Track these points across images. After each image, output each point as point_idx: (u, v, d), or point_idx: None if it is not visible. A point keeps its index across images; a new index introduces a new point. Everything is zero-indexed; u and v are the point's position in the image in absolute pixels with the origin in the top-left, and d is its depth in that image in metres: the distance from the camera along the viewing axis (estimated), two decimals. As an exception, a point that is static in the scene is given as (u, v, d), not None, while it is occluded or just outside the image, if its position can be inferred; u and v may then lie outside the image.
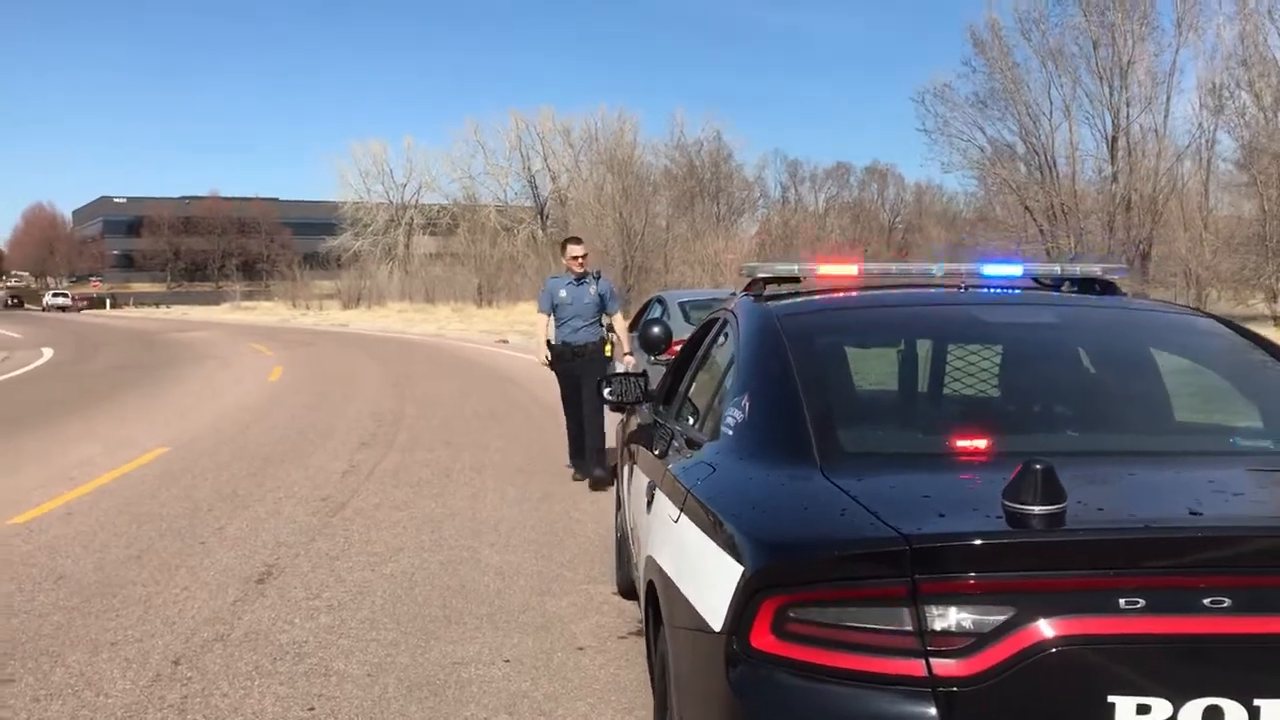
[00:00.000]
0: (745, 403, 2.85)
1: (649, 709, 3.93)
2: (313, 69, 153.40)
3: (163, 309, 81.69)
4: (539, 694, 4.30)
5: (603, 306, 8.85)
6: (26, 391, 18.31)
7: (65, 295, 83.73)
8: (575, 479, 8.53)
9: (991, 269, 3.70)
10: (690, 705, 2.33)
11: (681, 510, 2.75)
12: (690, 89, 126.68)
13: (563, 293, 8.75)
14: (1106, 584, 1.93)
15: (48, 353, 28.60)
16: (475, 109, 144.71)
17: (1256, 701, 1.90)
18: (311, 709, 4.17)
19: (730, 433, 2.85)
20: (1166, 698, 1.91)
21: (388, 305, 60.49)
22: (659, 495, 3.17)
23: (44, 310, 77.51)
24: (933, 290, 3.80)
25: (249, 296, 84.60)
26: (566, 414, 8.87)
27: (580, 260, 8.83)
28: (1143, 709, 1.91)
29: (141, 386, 18.32)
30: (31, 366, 24.21)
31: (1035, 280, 3.90)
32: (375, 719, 4.08)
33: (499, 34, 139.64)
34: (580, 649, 4.83)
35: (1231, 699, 1.91)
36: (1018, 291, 3.82)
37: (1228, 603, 1.91)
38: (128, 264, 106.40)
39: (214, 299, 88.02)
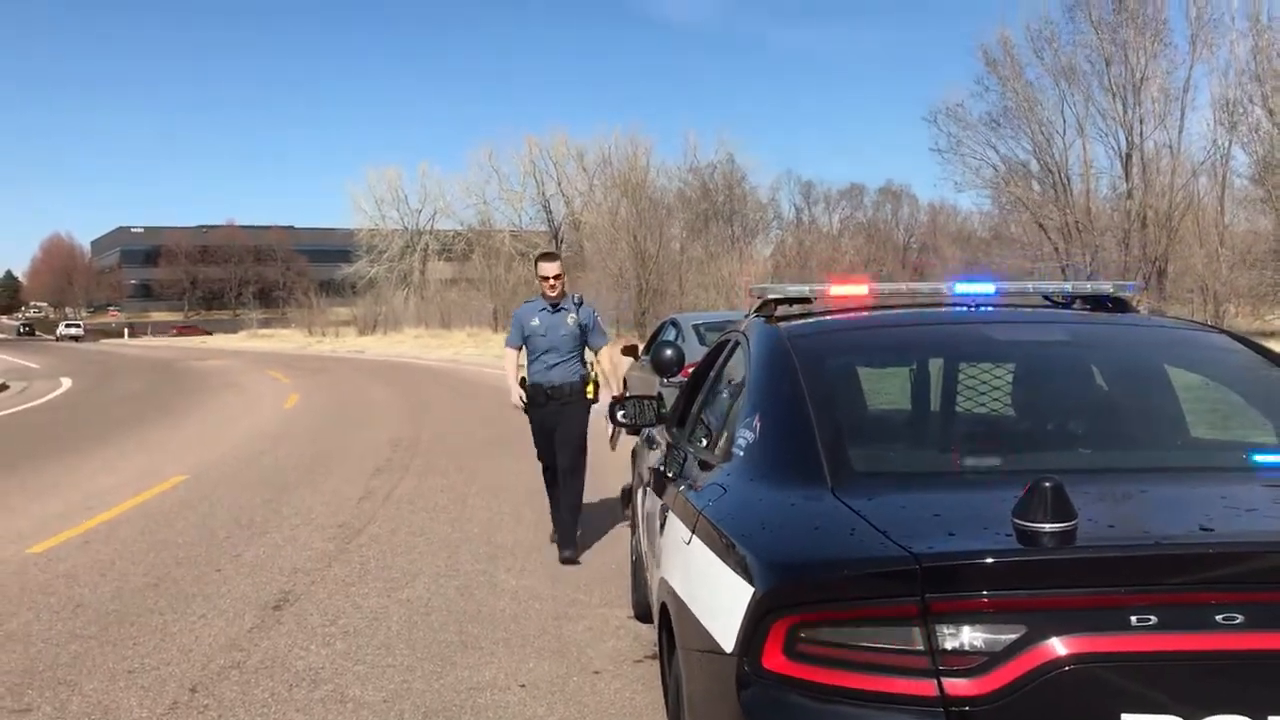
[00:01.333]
0: (756, 423, 2.86)
1: (664, 732, 3.93)
2: (327, 96, 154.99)
3: (179, 338, 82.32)
4: (554, 719, 4.29)
5: (584, 339, 7.27)
6: (46, 421, 18.44)
7: (78, 325, 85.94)
8: (565, 561, 6.86)
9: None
10: (704, 728, 2.33)
11: (693, 532, 2.76)
12: (703, 112, 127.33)
13: (535, 321, 7.19)
14: (1118, 601, 1.93)
15: (66, 382, 28.81)
16: (490, 134, 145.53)
17: (1270, 718, 1.89)
18: (327, 735, 4.17)
19: (741, 454, 2.86)
20: (1180, 715, 1.90)
21: (403, 331, 60.75)
22: (671, 517, 3.17)
23: (57, 340, 78.59)
24: (944, 309, 3.81)
25: (266, 324, 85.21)
26: (542, 467, 7.44)
27: (554, 282, 7.17)
28: (1156, 727, 1.90)
29: (159, 414, 18.42)
30: (51, 396, 24.39)
31: (1047, 298, 3.90)
32: (391, 745, 4.08)
33: (512, 59, 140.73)
34: (596, 673, 4.82)
35: (1244, 715, 1.89)
36: (1031, 310, 3.82)
37: (1240, 619, 1.91)
38: (145, 293, 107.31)
39: (231, 327, 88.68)
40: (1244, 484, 2.58)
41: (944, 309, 3.81)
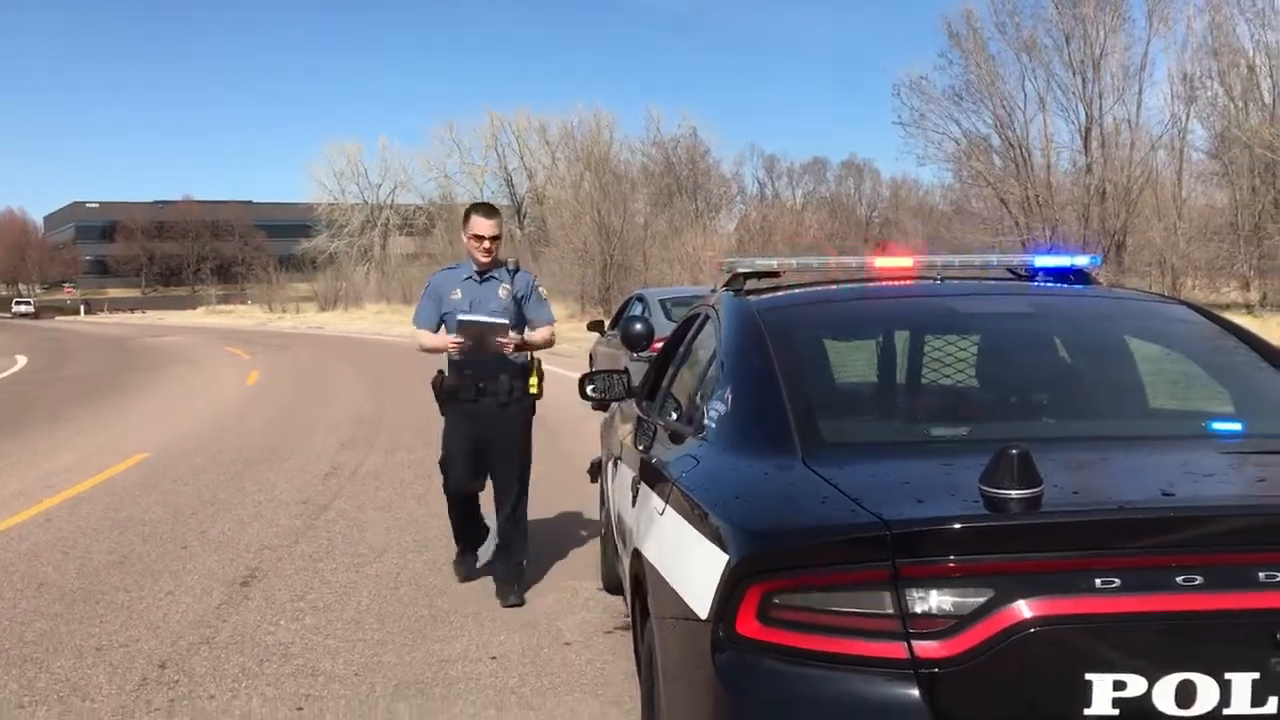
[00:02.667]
0: (728, 396, 2.89)
1: (635, 701, 3.98)
2: (285, 69, 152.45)
3: (137, 314, 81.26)
4: (526, 689, 4.33)
5: (521, 317, 5.57)
6: (1, 399, 18.16)
7: (28, 302, 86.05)
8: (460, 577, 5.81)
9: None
10: (678, 692, 2.36)
11: (667, 503, 2.79)
12: (665, 85, 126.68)
13: (456, 293, 5.49)
14: (1082, 565, 1.98)
15: (21, 360, 28.34)
16: (450, 108, 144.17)
17: (1228, 675, 1.95)
18: (300, 709, 4.18)
19: (713, 425, 2.89)
20: (1142, 674, 1.96)
21: (365, 307, 60.31)
22: (644, 489, 3.20)
23: (13, 317, 77.62)
24: (909, 283, 3.85)
25: (224, 300, 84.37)
26: (448, 487, 5.70)
27: (489, 244, 5.45)
28: (1119, 685, 1.96)
29: (119, 392, 18.20)
30: (5, 374, 24.00)
31: (1011, 271, 3.96)
32: (364, 718, 4.10)
33: (473, 33, 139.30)
34: (567, 644, 4.86)
35: (1204, 674, 1.95)
36: (995, 283, 3.88)
37: (1200, 580, 1.96)
38: (101, 269, 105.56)
39: (189, 303, 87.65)
40: (1202, 451, 2.65)
41: (910, 283, 3.85)
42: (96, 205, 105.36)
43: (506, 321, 5.38)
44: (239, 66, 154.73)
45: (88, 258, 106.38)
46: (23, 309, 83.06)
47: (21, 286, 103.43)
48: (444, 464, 5.67)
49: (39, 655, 4.83)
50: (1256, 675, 1.95)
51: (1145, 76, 29.99)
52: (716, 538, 2.29)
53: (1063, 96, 31.19)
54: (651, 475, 3.14)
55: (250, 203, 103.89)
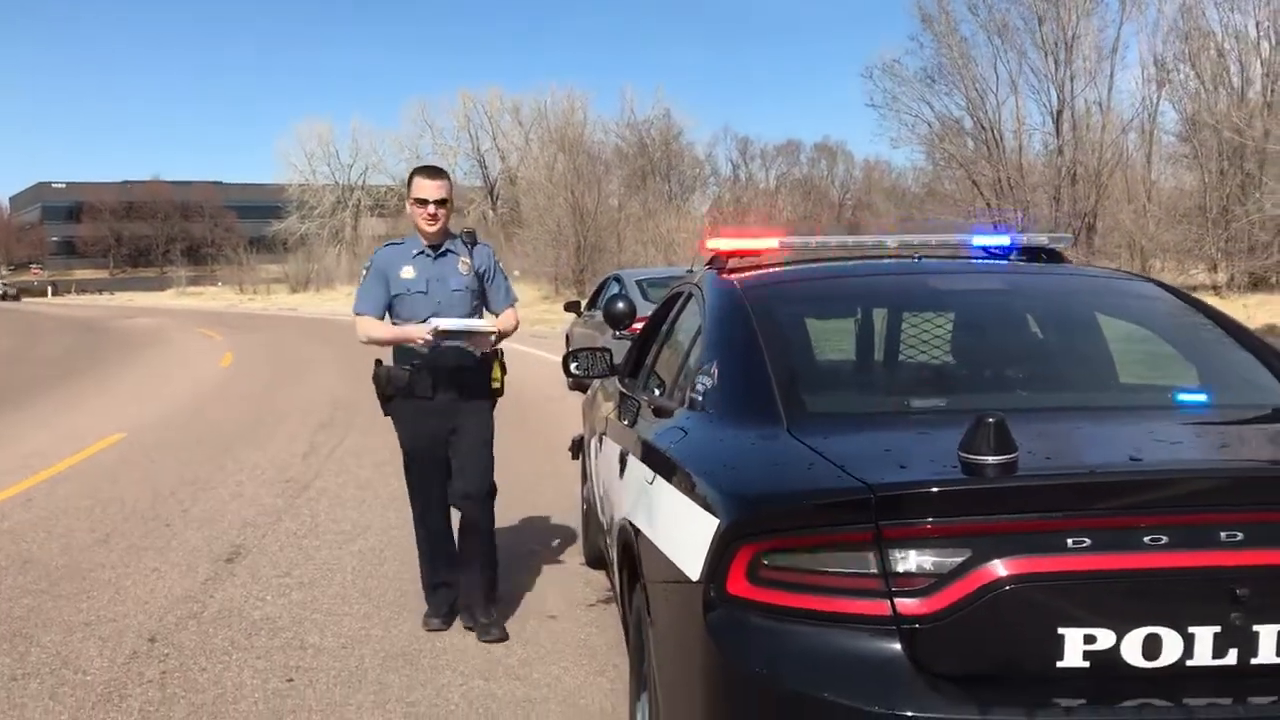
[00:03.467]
0: (714, 370, 2.98)
1: (621, 669, 4.09)
2: (256, 49, 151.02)
3: (106, 296, 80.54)
4: (513, 660, 4.42)
5: (482, 296, 4.86)
6: (-27, 381, 18.02)
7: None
8: (432, 628, 4.79)
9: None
10: (670, 652, 2.46)
11: (656, 473, 2.88)
12: (639, 67, 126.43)
13: (406, 271, 4.70)
14: (1055, 526, 2.09)
15: (-9, 342, 28.10)
16: (422, 89, 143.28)
17: (1191, 629, 2.07)
18: (290, 680, 4.26)
19: (700, 399, 2.98)
20: (1111, 628, 2.07)
21: (336, 288, 59.92)
22: (632, 461, 3.29)
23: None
24: (888, 261, 3.95)
25: (195, 282, 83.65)
26: (415, 504, 4.96)
27: (435, 210, 4.65)
28: (1089, 639, 2.07)
29: (91, 374, 18.10)
30: (-25, 356, 23.79)
31: (985, 250, 4.07)
32: (354, 688, 4.18)
33: (443, 12, 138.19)
34: (551, 617, 4.95)
35: (1169, 628, 2.07)
36: (970, 261, 3.99)
37: (1165, 540, 2.07)
38: (69, 250, 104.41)
39: (159, 285, 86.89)
40: (1168, 420, 2.78)
41: (889, 261, 3.95)
42: (63, 186, 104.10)
43: (492, 328, 4.76)
44: (209, 45, 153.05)
45: (54, 239, 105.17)
46: (7, 291, 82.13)
47: (1, 269, 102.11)
48: (410, 468, 4.91)
49: (28, 630, 4.88)
50: (1218, 629, 2.07)
51: (1117, 59, 30.26)
52: (707, 504, 2.39)
53: (1035, 79, 31.37)
54: (639, 448, 3.23)
55: (220, 183, 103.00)
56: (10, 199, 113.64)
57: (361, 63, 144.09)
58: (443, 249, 4.74)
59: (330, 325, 32.85)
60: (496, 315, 4.91)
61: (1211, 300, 21.05)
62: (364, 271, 4.86)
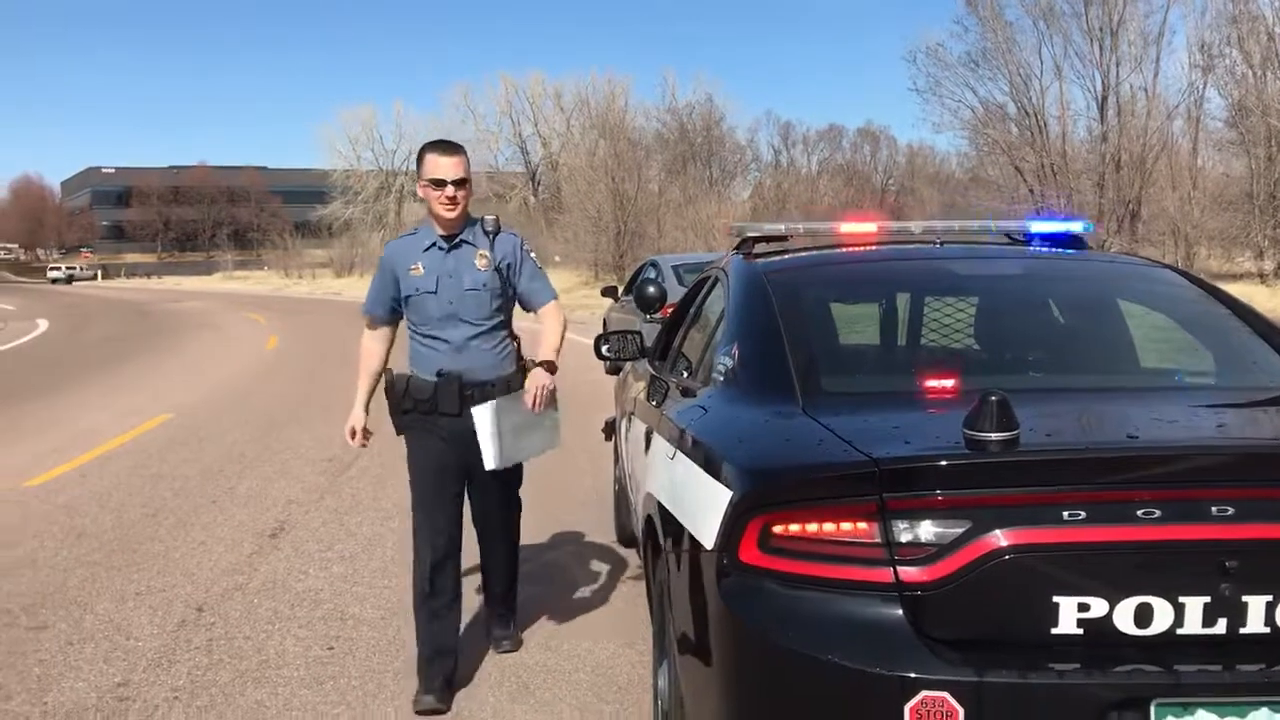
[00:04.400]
0: (734, 351, 3.11)
1: (648, 642, 4.23)
2: (300, 35, 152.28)
3: (154, 280, 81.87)
4: (544, 632, 4.58)
5: (509, 294, 4.10)
6: (26, 361, 18.51)
7: (59, 269, 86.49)
8: (424, 707, 3.84)
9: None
10: (685, 616, 2.58)
11: (677, 448, 3.01)
12: (681, 51, 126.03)
13: (416, 267, 4.02)
14: (1052, 499, 2.18)
15: (43, 324, 28.75)
16: (464, 74, 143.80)
17: (1181, 599, 2.16)
18: (331, 648, 4.44)
19: (720, 378, 3.10)
20: (1104, 597, 2.17)
21: (381, 273, 60.45)
22: (656, 438, 3.42)
23: (52, 283, 79.01)
24: (910, 246, 4.04)
25: (241, 266, 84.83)
26: (420, 552, 4.10)
27: (454, 194, 3.91)
28: (1083, 607, 2.17)
29: (140, 356, 18.52)
30: (29, 337, 24.38)
31: (1008, 236, 4.15)
32: (392, 656, 4.35)
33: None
34: (582, 592, 5.10)
35: (1160, 597, 2.17)
36: (992, 246, 4.07)
37: (1158, 514, 2.17)
38: (118, 235, 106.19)
39: (205, 269, 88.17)
40: (1172, 401, 2.86)
41: (910, 246, 4.04)
42: (112, 171, 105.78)
43: (534, 387, 4.00)
44: (254, 31, 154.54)
45: (104, 223, 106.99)
46: (55, 275, 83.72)
47: (40, 251, 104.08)
48: (420, 504, 4.11)
49: (83, 598, 5.10)
50: (1208, 599, 2.16)
51: (1163, 44, 29.83)
52: (721, 476, 2.51)
53: (1079, 64, 31.03)
54: (663, 425, 3.36)
55: (265, 168, 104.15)
56: (61, 184, 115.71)
57: (405, 48, 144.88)
58: (457, 240, 4.01)
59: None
60: (537, 312, 4.16)
61: (1258, 288, 20.80)
62: (376, 269, 4.21)
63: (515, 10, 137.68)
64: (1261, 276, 23.79)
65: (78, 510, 6.85)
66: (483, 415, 3.94)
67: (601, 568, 5.49)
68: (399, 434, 4.22)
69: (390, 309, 4.18)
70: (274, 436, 9.53)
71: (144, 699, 3.96)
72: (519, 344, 4.20)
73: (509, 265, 4.07)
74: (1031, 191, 30.93)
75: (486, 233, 4.05)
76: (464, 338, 4.01)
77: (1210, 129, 29.53)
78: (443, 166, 3.93)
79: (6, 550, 5.92)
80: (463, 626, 4.24)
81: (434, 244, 4.04)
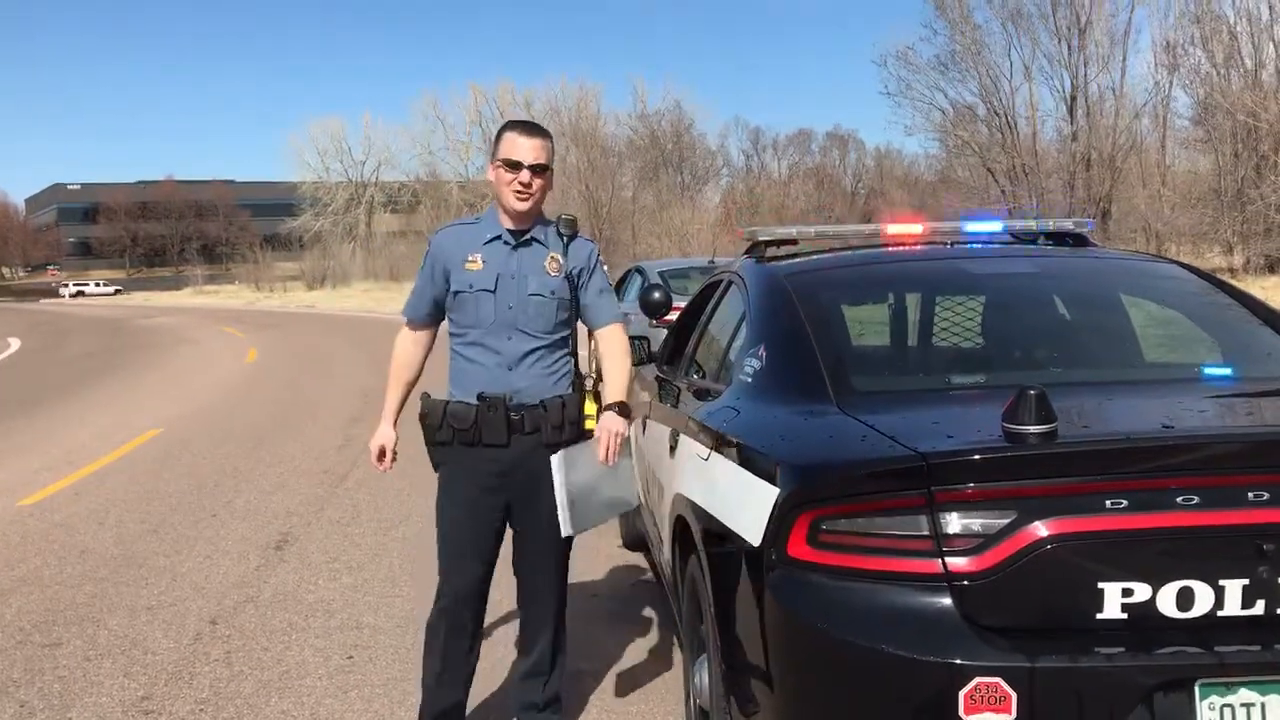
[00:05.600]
0: (762, 352, 3.16)
1: (667, 639, 4.30)
2: (265, 47, 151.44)
3: (123, 295, 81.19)
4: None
5: (575, 306, 3.54)
6: (3, 379, 18.32)
7: (68, 286, 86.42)
8: None
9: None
10: (729, 613, 2.63)
11: (711, 449, 3.06)
12: (649, 59, 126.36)
13: (474, 262, 3.44)
14: (1094, 488, 2.25)
15: (15, 342, 28.44)
16: (433, 84, 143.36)
17: (1221, 582, 2.23)
18: (350, 657, 4.46)
19: (749, 380, 3.16)
20: (1147, 582, 2.23)
21: (352, 285, 60.28)
22: (684, 440, 3.47)
23: (71, 298, 78.61)
24: (921, 247, 4.12)
25: (211, 280, 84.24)
26: (442, 591, 3.66)
27: (528, 179, 3.36)
28: (1127, 593, 2.23)
29: (120, 372, 18.37)
30: (2, 356, 24.12)
31: (1014, 235, 4.23)
32: (413, 664, 4.35)
33: (455, 7, 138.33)
34: (594, 595, 5.14)
35: (1201, 581, 2.24)
36: (1001, 246, 4.15)
37: (1197, 500, 2.24)
38: (85, 251, 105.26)
39: (175, 284, 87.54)
40: (1195, 393, 2.94)
41: (921, 247, 4.12)
42: (78, 187, 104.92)
43: (603, 435, 3.38)
44: (219, 44, 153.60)
45: (70, 240, 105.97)
46: (69, 292, 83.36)
47: (4, 270, 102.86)
48: (447, 540, 3.61)
49: (95, 614, 5.09)
50: (1246, 581, 2.23)
51: (1129, 44, 30.29)
52: (766, 474, 2.56)
53: (1048, 65, 31.47)
54: (691, 427, 3.41)
55: (233, 182, 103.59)
56: (26, 201, 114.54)
57: (372, 59, 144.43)
58: (527, 237, 3.46)
59: (349, 322, 33.08)
60: (602, 331, 3.56)
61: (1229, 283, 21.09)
62: (423, 262, 3.60)
63: (481, 20, 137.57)
64: (1232, 271, 24.14)
65: (76, 528, 6.81)
66: (557, 470, 3.37)
67: (611, 571, 5.54)
68: (436, 469, 3.63)
69: (428, 313, 3.61)
70: (265, 449, 9.50)
71: (169, 712, 3.97)
72: (576, 361, 3.57)
73: (579, 273, 3.50)
74: (1003, 192, 31.28)
75: (561, 234, 3.49)
76: (519, 352, 3.40)
77: (1177, 127, 30.05)
78: (521, 147, 3.37)
79: (9, 569, 5.90)
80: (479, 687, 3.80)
81: (498, 237, 3.44)
